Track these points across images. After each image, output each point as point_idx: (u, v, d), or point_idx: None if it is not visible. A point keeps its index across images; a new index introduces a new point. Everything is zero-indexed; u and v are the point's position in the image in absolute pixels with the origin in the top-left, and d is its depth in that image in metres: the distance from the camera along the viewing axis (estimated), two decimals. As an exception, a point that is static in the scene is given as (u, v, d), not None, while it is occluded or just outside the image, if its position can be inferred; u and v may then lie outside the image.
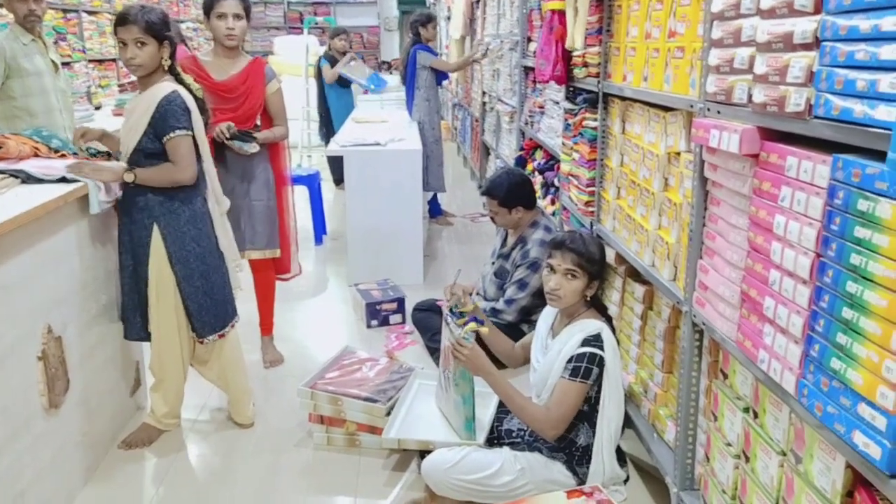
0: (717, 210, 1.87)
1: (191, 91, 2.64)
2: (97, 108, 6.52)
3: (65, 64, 6.66)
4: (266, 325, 3.57)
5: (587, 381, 2.21)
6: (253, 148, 3.16)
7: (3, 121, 3.83)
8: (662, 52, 2.27)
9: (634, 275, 2.72)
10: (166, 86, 2.56)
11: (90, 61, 7.57)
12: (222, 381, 2.91)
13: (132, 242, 2.64)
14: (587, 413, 2.28)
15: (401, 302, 3.99)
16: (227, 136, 3.07)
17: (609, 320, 2.40)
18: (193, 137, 2.59)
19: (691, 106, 1.99)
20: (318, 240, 5.57)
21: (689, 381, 2.07)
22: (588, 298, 2.37)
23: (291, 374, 3.40)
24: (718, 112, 1.81)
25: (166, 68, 2.60)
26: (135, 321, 2.72)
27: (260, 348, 3.56)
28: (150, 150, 2.56)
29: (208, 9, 3.11)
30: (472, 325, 2.46)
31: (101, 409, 2.71)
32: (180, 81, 2.64)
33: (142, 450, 2.78)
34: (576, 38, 2.90)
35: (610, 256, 2.77)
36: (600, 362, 2.22)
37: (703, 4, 1.98)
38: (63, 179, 2.49)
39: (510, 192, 3.35)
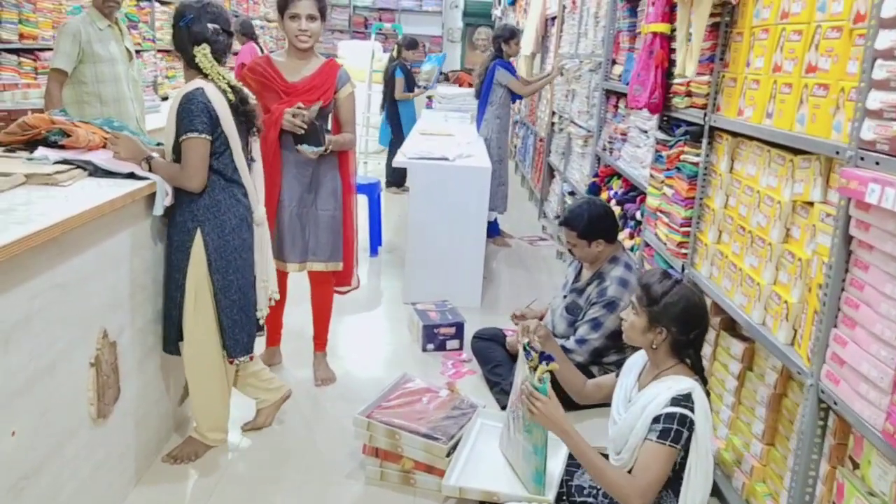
0: (865, 275, 1.63)
1: (233, 88, 2.49)
2: (163, 98, 6.50)
3: (138, 52, 6.67)
4: (320, 341, 3.40)
5: (677, 445, 1.97)
6: (316, 152, 2.99)
7: (72, 105, 3.75)
8: (797, 88, 2.04)
9: (730, 327, 2.48)
10: (194, 82, 2.43)
11: (159, 51, 7.57)
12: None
13: (172, 247, 2.50)
14: (671, 480, 2.05)
15: (460, 327, 3.79)
16: (301, 123, 2.90)
17: (704, 380, 2.15)
18: (212, 144, 2.43)
19: (837, 152, 1.76)
20: (374, 251, 5.41)
21: (807, 464, 1.82)
22: (656, 348, 2.13)
23: (343, 396, 3.23)
24: (877, 163, 1.58)
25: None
26: (169, 332, 2.57)
27: (311, 364, 3.39)
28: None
29: (282, 8, 2.98)
30: (546, 366, 2.25)
31: (149, 419, 2.56)
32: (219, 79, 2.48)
33: (186, 465, 2.62)
34: (688, 65, 2.68)
35: (705, 305, 2.54)
36: (690, 425, 1.98)
37: (857, 39, 1.75)
38: (132, 175, 2.35)
39: (591, 224, 3.11)
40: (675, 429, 1.96)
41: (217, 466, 2.64)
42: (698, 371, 2.15)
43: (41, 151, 2.38)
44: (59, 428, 1.95)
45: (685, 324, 2.08)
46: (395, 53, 7.51)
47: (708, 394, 2.13)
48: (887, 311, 1.53)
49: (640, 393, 2.12)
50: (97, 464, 2.19)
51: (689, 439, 1.99)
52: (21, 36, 5.60)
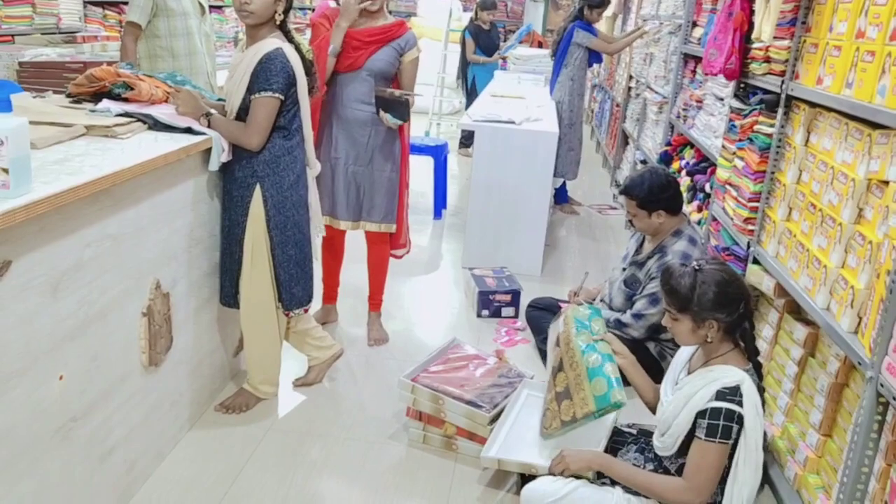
0: (938, 263, 1.50)
1: (300, 52, 2.48)
2: (241, 54, 6.58)
3: (216, 7, 6.79)
4: (375, 301, 3.42)
5: (727, 440, 1.87)
6: (398, 124, 2.99)
7: (145, 59, 3.84)
8: (880, 57, 1.87)
9: (795, 310, 2.34)
10: (272, 42, 2.41)
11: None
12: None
13: (231, 201, 2.53)
14: (724, 472, 1.96)
15: (516, 295, 3.74)
16: (391, 95, 2.89)
17: (758, 366, 2.03)
18: (283, 102, 2.43)
19: (917, 128, 1.61)
20: (438, 214, 5.39)
21: (861, 459, 1.71)
22: (712, 340, 1.99)
23: (394, 356, 3.24)
24: (961, 141, 1.43)
25: (278, 23, 2.45)
26: (226, 285, 2.62)
27: (366, 323, 3.42)
28: None
29: None
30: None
31: (202, 369, 2.63)
32: (290, 40, 2.48)
33: (237, 415, 2.70)
34: (763, 28, 2.50)
35: (768, 286, 2.41)
36: (739, 419, 1.87)
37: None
38: (189, 130, 2.38)
39: (652, 194, 2.98)
40: (722, 424, 1.86)
41: (266, 418, 2.71)
42: (752, 356, 2.03)
43: (104, 104, 2.44)
44: (109, 374, 2.02)
45: (728, 305, 1.95)
46: (473, 14, 7.42)
47: (762, 380, 2.01)
48: (960, 305, 1.40)
49: (688, 379, 2.02)
50: (149, 409, 2.27)
51: (738, 432, 1.89)
52: (106, -11, 5.77)
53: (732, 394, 1.88)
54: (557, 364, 2.36)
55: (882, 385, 1.63)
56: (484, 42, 7.35)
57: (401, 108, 2.94)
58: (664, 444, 2.02)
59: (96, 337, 1.93)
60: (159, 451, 2.38)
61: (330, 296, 3.48)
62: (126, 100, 2.51)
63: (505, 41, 7.75)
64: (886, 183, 1.82)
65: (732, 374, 1.92)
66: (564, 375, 2.30)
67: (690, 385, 1.97)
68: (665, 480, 1.99)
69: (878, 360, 1.65)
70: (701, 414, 1.89)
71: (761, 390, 1.98)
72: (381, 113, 2.96)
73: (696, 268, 2.02)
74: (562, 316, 2.46)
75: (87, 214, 1.83)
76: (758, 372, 2.02)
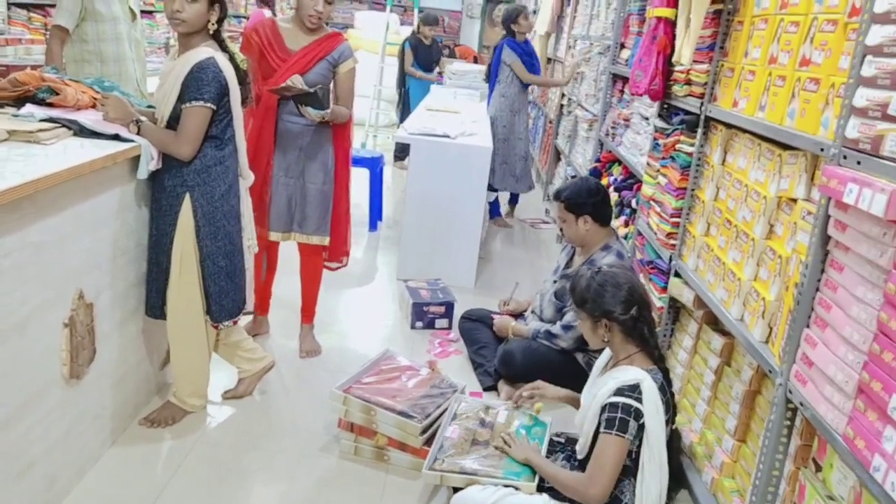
0: (839, 277, 1.60)
1: (234, 62, 2.48)
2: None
3: (147, 13, 6.64)
4: (308, 314, 3.40)
5: (624, 434, 1.99)
6: (320, 114, 2.97)
7: (72, 64, 3.73)
8: (790, 82, 1.99)
9: (713, 321, 2.45)
10: (204, 51, 2.39)
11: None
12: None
13: (159, 211, 2.49)
14: (631, 469, 2.05)
15: (449, 307, 3.77)
16: (295, 89, 2.87)
17: (664, 371, 2.15)
18: (215, 112, 2.42)
19: (821, 149, 1.72)
20: (373, 226, 5.40)
21: (772, 464, 1.80)
22: (608, 341, 2.17)
23: (326, 368, 3.23)
24: (858, 163, 1.54)
25: (211, 32, 2.44)
26: (152, 296, 2.57)
27: (298, 336, 3.40)
28: None
29: None
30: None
31: (126, 382, 2.57)
32: (224, 49, 2.47)
33: (163, 429, 2.63)
34: (684, 52, 2.63)
35: (688, 298, 2.51)
36: (637, 415, 1.99)
37: (850, 33, 1.70)
38: (117, 137, 2.34)
39: (579, 196, 3.08)
40: (619, 417, 1.99)
41: (193, 432, 2.65)
42: (657, 358, 2.15)
43: (28, 108, 2.38)
44: (28, 386, 1.96)
45: (621, 305, 2.10)
46: (416, 28, 7.49)
47: (668, 379, 2.13)
48: (857, 315, 1.50)
49: (598, 381, 2.14)
50: (70, 423, 2.20)
51: (639, 431, 1.99)
52: (30, -9, 5.58)
53: (631, 390, 2.01)
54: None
55: (791, 391, 1.72)
56: (423, 56, 7.42)
57: (313, 99, 2.93)
58: (581, 447, 2.12)
59: (15, 348, 1.87)
60: (81, 467, 2.31)
61: (262, 308, 3.45)
62: (51, 105, 2.45)
63: (441, 58, 7.80)
64: (795, 201, 1.94)
65: (633, 373, 2.05)
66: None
67: (597, 385, 2.10)
68: (570, 474, 2.11)
69: (786, 367, 1.75)
70: (602, 409, 2.02)
71: (667, 391, 2.09)
72: (303, 108, 2.95)
73: (596, 270, 2.19)
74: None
75: (8, 222, 1.78)
76: (664, 374, 2.13)
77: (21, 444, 1.94)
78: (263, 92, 2.96)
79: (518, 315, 3.44)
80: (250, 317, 3.39)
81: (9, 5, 5.34)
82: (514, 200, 6.17)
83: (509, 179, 5.71)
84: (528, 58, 5.64)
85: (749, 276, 2.09)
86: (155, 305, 2.57)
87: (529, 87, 5.75)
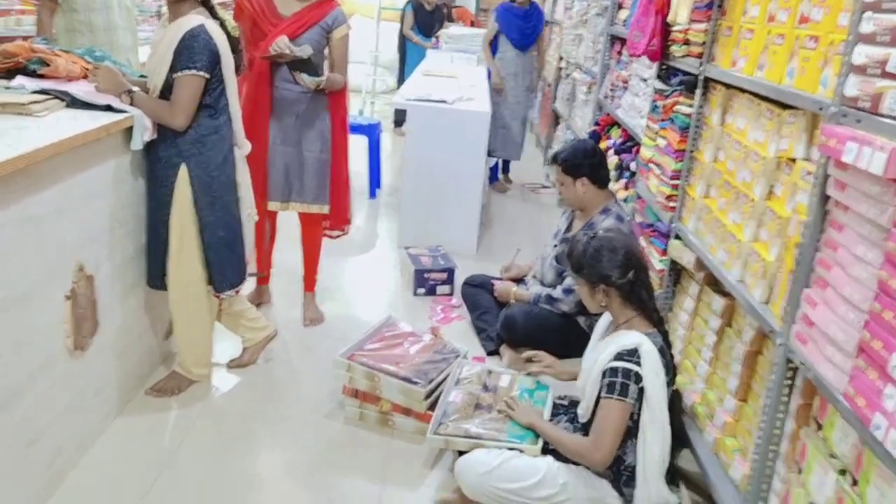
0: (839, 236, 1.59)
1: (225, 29, 2.44)
2: (164, 30, 6.36)
3: (138, -20, 6.52)
4: (309, 282, 3.40)
5: (625, 398, 2.01)
6: (315, 81, 2.94)
7: (63, 34, 3.69)
8: (788, 40, 1.96)
9: (713, 283, 2.45)
10: (194, 18, 2.36)
11: (163, -20, 7.40)
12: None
13: (155, 182, 2.48)
14: (634, 430, 2.07)
15: (451, 273, 3.78)
16: (286, 52, 2.84)
17: (663, 333, 2.16)
18: (208, 81, 2.39)
19: (820, 108, 1.69)
20: (372, 193, 5.38)
21: (773, 423, 1.81)
22: (606, 305, 2.18)
23: (330, 336, 3.25)
24: (858, 121, 1.52)
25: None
26: (152, 268, 2.57)
27: (301, 304, 3.41)
28: None
29: None
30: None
31: (130, 352, 2.58)
32: (214, 16, 2.44)
33: (169, 399, 2.66)
34: (679, 10, 2.59)
35: (689, 260, 2.51)
36: (637, 379, 2.01)
37: (852, -11, 1.67)
38: (109, 108, 2.32)
39: (576, 157, 3.07)
40: (620, 381, 2.00)
41: (199, 400, 2.68)
42: (656, 321, 2.16)
43: (19, 80, 2.35)
44: (32, 359, 1.97)
45: (617, 269, 2.11)
46: None
47: (667, 342, 2.15)
48: (857, 274, 1.49)
49: (598, 345, 2.15)
50: (75, 395, 2.22)
51: (639, 394, 2.00)
52: (19, -40, 5.48)
53: (630, 355, 2.02)
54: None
55: (791, 352, 1.73)
56: (423, 21, 7.29)
57: (307, 65, 2.92)
58: (583, 411, 2.13)
59: (17, 322, 1.88)
60: (87, 438, 2.34)
61: (263, 277, 3.45)
62: (42, 76, 2.42)
63: (443, 25, 7.65)
64: (794, 161, 1.92)
65: (632, 337, 2.06)
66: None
67: (597, 350, 2.11)
68: (574, 438, 2.13)
69: (787, 328, 1.75)
70: (603, 374, 2.04)
71: (667, 353, 2.10)
72: (297, 75, 2.93)
73: (592, 235, 2.19)
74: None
75: (4, 195, 1.77)
76: (663, 336, 2.14)
77: (27, 417, 1.96)
78: (255, 59, 2.92)
79: (519, 280, 3.44)
80: (253, 286, 3.40)
81: (-2, -25, 5.26)
82: (506, 168, 6.14)
83: (507, 144, 5.67)
84: (521, 22, 5.56)
85: (749, 237, 2.08)
86: (155, 276, 2.58)
87: (532, 50, 5.66)
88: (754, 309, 1.96)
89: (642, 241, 3.07)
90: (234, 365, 2.90)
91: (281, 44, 2.83)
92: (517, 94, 5.62)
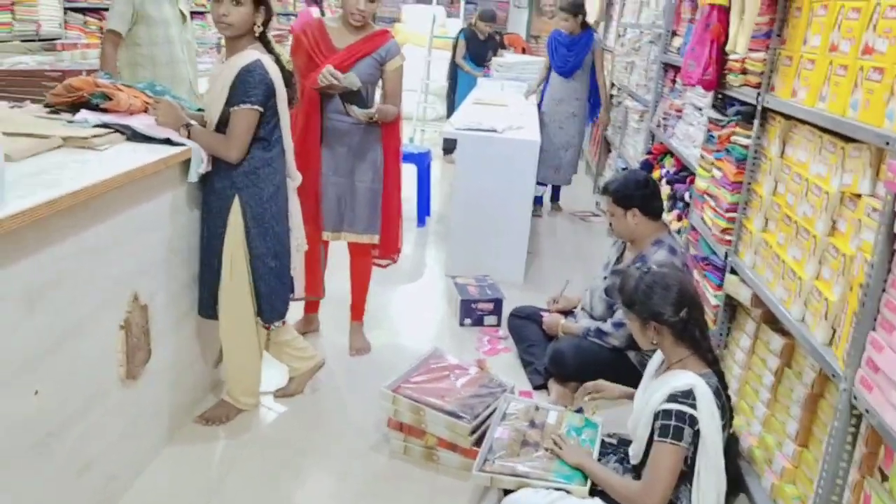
0: (908, 277, 1.52)
1: (280, 63, 2.49)
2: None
3: (199, 13, 6.75)
4: (357, 311, 3.41)
5: (679, 441, 1.93)
6: (365, 113, 2.96)
7: (126, 68, 3.81)
8: (852, 71, 1.90)
9: (772, 321, 2.37)
10: (250, 54, 2.41)
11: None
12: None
13: (210, 213, 2.52)
14: (688, 475, 1.99)
15: (498, 303, 3.75)
16: (335, 82, 2.86)
17: (718, 374, 2.08)
18: (262, 114, 2.43)
19: (887, 143, 1.63)
20: (421, 221, 5.40)
21: (835, 471, 1.73)
22: (656, 343, 2.11)
23: (376, 366, 3.24)
24: (929, 158, 1.45)
25: (257, 34, 2.46)
26: (204, 297, 2.61)
27: (348, 333, 3.42)
28: None
29: None
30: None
31: (181, 381, 2.62)
32: (270, 51, 2.49)
33: (217, 427, 2.68)
34: (739, 40, 2.53)
35: (745, 296, 2.43)
36: (691, 421, 1.93)
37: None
38: (168, 141, 2.37)
39: (627, 188, 3.01)
40: (673, 425, 1.93)
41: (247, 430, 2.69)
42: (710, 361, 2.08)
43: (82, 114, 2.43)
44: (86, 388, 2.01)
45: (670, 307, 2.04)
46: (473, 21, 7.43)
47: (723, 383, 2.07)
48: (929, 318, 1.42)
49: (654, 382, 2.08)
50: (127, 422, 2.26)
51: (694, 437, 1.93)
52: (86, -5, 5.73)
53: (684, 396, 1.95)
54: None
55: (855, 398, 1.65)
56: (475, 50, 7.32)
57: (354, 96, 2.93)
58: (634, 452, 2.07)
59: (73, 351, 1.92)
60: (139, 465, 2.37)
61: (312, 306, 3.47)
62: (104, 110, 2.50)
63: (496, 53, 7.69)
64: (859, 196, 1.85)
65: (686, 378, 1.99)
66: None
67: (650, 390, 2.04)
68: (624, 481, 2.06)
69: (851, 372, 1.67)
70: (655, 416, 1.97)
71: (723, 395, 2.02)
72: (348, 107, 2.96)
73: (645, 270, 2.13)
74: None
75: (64, 228, 1.82)
76: (719, 377, 2.06)
77: (80, 445, 2.00)
78: (307, 90, 2.97)
79: (568, 312, 3.39)
80: (301, 314, 3.42)
81: (65, 9, 5.51)
82: (555, 195, 6.10)
83: (548, 171, 5.64)
84: (565, 49, 5.55)
85: (811, 274, 2.00)
86: (207, 306, 2.62)
87: (577, 76, 5.62)
88: (816, 350, 1.88)
89: (696, 275, 2.99)
90: (280, 394, 2.92)
91: (327, 73, 2.86)
92: (559, 120, 5.61)
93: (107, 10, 5.35)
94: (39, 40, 5.02)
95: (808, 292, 1.99)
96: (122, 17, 3.70)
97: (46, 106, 2.58)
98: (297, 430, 2.73)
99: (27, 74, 3.59)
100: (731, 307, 2.70)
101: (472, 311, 3.73)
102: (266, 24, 2.47)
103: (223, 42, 7.36)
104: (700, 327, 2.08)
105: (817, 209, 2.01)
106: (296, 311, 3.36)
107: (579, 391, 2.53)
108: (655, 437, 1.96)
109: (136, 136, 2.37)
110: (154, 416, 2.44)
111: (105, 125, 2.36)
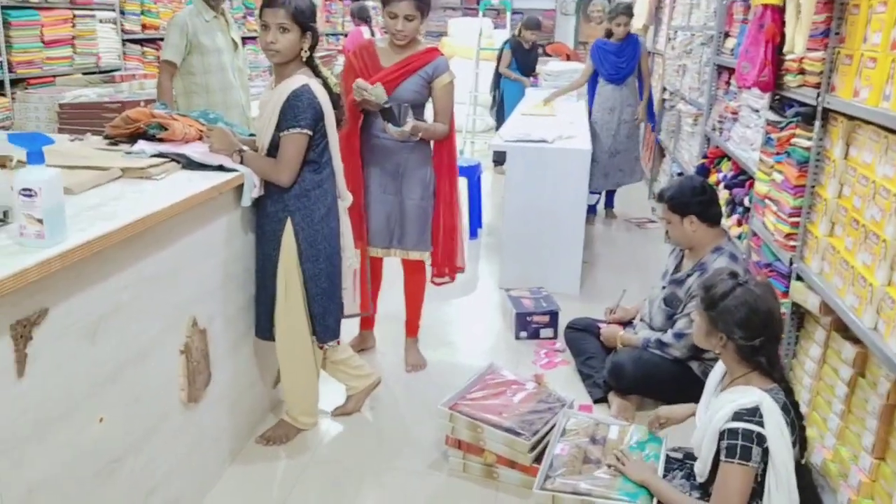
0: None
1: (327, 86, 2.52)
2: (276, 84, 6.68)
3: (250, 38, 6.91)
4: (412, 327, 3.41)
5: (747, 462, 1.86)
6: (399, 132, 2.93)
7: (181, 96, 3.92)
8: (918, 68, 1.81)
9: (842, 328, 2.26)
10: (299, 79, 2.44)
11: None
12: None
13: (263, 236, 2.56)
14: (759, 491, 1.91)
15: (554, 315, 3.69)
16: (365, 95, 2.87)
17: (786, 389, 1.99)
18: (312, 137, 2.45)
19: (961, 141, 1.54)
20: (473, 234, 5.38)
21: (917, 489, 1.63)
22: (719, 353, 2.04)
23: (433, 382, 3.23)
24: None
25: (304, 59, 2.49)
26: (261, 319, 2.64)
27: (404, 349, 3.42)
28: None
29: (384, 3, 2.96)
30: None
31: (242, 402, 2.65)
32: (318, 74, 2.52)
33: (278, 447, 2.71)
34: (796, 40, 2.45)
35: (813, 304, 2.34)
36: (759, 440, 1.85)
37: None
38: (221, 167, 2.42)
39: (683, 195, 2.93)
40: (740, 445, 1.86)
41: (306, 449, 2.71)
42: (776, 377, 1.99)
43: (140, 145, 2.50)
44: (150, 413, 2.05)
45: (747, 331, 1.95)
46: (517, 31, 7.41)
47: (791, 398, 1.97)
48: None
49: (717, 399, 2.01)
50: (190, 445, 2.30)
51: (763, 455, 1.86)
52: (143, 27, 5.93)
53: (751, 414, 1.87)
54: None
55: (936, 410, 1.56)
56: (521, 59, 7.28)
57: (390, 115, 2.93)
58: (699, 470, 2.00)
59: (135, 378, 1.96)
60: (202, 487, 2.40)
61: (367, 322, 3.49)
62: (161, 140, 2.57)
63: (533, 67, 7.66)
64: (931, 198, 1.76)
65: (751, 394, 1.91)
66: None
67: (714, 406, 1.98)
68: (693, 502, 1.99)
69: (930, 383, 1.58)
70: (721, 435, 1.90)
71: (791, 411, 1.93)
72: (384, 124, 2.96)
73: (740, 282, 2.03)
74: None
75: (123, 258, 1.87)
76: (786, 392, 1.97)
77: (145, 469, 2.04)
78: (350, 107, 2.98)
79: (626, 323, 3.32)
80: (357, 331, 3.44)
81: (123, 41, 5.71)
82: (609, 202, 6.02)
83: (600, 179, 5.58)
84: (614, 57, 5.49)
85: (882, 280, 1.91)
86: (264, 328, 2.65)
87: (628, 82, 5.56)
88: (890, 359, 1.79)
89: (759, 282, 2.89)
90: (338, 413, 2.93)
91: (356, 86, 2.88)
92: (613, 128, 5.55)
93: (163, 39, 5.55)
94: (100, 72, 5.21)
95: (880, 299, 1.90)
96: (176, 48, 3.80)
97: (106, 137, 2.67)
98: (355, 449, 2.74)
99: (88, 107, 3.72)
100: (799, 315, 2.60)
101: (528, 324, 3.69)
102: (312, 48, 2.50)
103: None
104: (769, 357, 1.99)
105: (886, 212, 1.92)
106: (352, 328, 3.38)
107: (649, 422, 2.45)
108: (722, 458, 1.89)
109: (190, 164, 2.42)
110: (216, 438, 2.48)
111: (161, 154, 2.42)
